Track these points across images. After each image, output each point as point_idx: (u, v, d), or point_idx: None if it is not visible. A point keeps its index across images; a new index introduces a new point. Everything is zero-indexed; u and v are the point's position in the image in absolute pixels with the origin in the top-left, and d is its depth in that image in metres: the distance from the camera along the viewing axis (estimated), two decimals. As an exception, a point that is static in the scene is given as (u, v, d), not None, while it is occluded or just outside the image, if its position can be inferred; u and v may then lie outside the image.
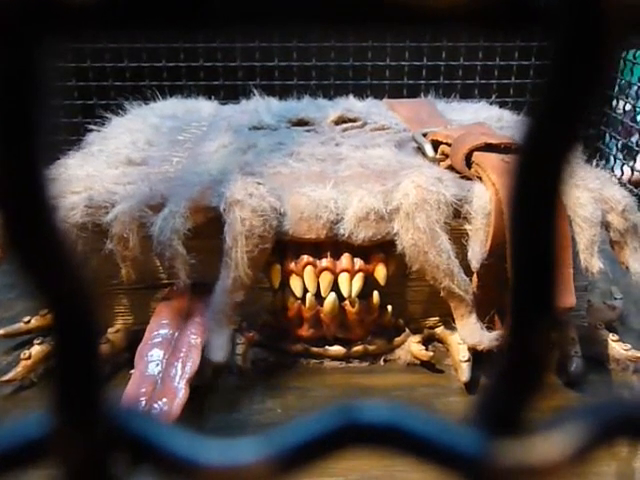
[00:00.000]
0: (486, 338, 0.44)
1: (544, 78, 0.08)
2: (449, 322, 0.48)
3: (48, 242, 0.08)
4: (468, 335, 0.45)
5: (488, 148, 0.48)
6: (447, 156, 0.52)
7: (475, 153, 0.48)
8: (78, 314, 0.08)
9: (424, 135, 0.56)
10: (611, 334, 0.48)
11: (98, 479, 0.09)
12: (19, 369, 0.44)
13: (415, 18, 0.08)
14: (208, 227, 0.44)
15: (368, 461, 0.38)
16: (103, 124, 0.64)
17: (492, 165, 0.46)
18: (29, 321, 0.48)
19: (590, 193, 0.46)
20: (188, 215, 0.43)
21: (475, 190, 0.46)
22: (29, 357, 0.44)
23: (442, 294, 0.45)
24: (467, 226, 0.46)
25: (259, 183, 0.45)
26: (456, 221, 0.46)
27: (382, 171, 0.50)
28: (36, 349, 0.45)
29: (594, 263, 0.45)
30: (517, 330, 0.08)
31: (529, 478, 0.08)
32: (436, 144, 0.54)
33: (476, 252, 0.45)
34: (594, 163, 0.53)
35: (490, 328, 0.45)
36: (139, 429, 0.09)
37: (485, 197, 0.45)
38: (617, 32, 0.08)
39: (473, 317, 0.45)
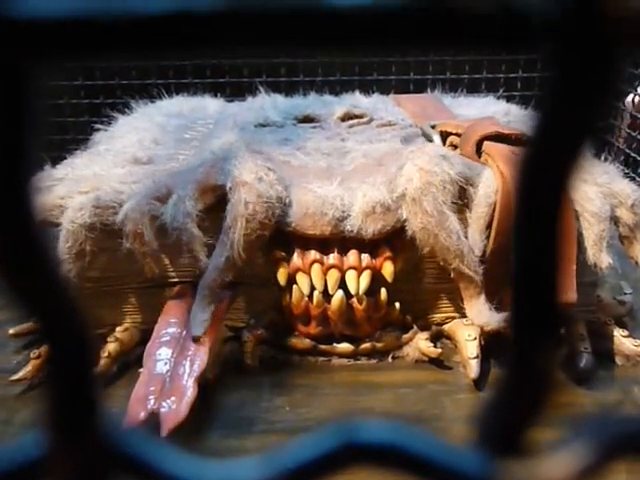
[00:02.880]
0: (494, 319, 0.44)
1: (548, 87, 0.08)
2: (457, 319, 0.47)
3: (34, 261, 0.08)
4: (476, 316, 0.45)
5: (499, 139, 0.48)
6: (456, 147, 0.52)
7: (486, 142, 0.48)
8: (70, 333, 0.08)
9: (432, 127, 0.56)
10: (621, 330, 0.48)
11: None
12: (29, 368, 0.44)
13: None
14: (219, 206, 0.44)
15: (368, 475, 0.38)
16: (110, 123, 0.64)
17: (502, 155, 0.46)
18: (38, 320, 0.48)
19: (598, 187, 0.46)
20: (197, 197, 0.43)
21: (483, 176, 0.45)
22: (39, 356, 0.44)
23: (452, 275, 0.45)
24: (468, 214, 0.45)
25: (270, 168, 0.45)
26: (462, 201, 0.45)
27: (384, 155, 0.50)
28: (46, 348, 0.45)
29: (603, 258, 0.44)
30: (521, 349, 0.08)
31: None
32: (445, 135, 0.54)
33: (477, 240, 0.44)
34: (602, 157, 0.53)
35: (498, 309, 0.45)
36: (137, 449, 0.09)
37: (492, 186, 0.44)
38: (619, 43, 0.07)
39: (482, 298, 0.45)
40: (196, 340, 0.42)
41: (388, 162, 0.48)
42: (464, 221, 0.45)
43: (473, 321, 0.45)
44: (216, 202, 0.44)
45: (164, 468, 0.09)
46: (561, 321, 0.08)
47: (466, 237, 0.44)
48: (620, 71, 0.08)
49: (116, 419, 0.09)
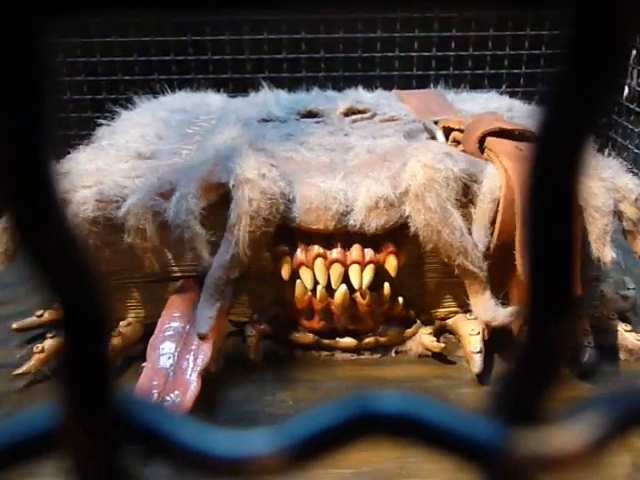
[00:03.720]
0: (500, 314, 0.44)
1: (559, 65, 0.08)
2: (460, 313, 0.47)
3: (58, 236, 0.08)
4: (482, 311, 0.45)
5: (502, 134, 0.48)
6: (459, 143, 0.52)
7: (488, 138, 0.48)
8: (88, 306, 0.08)
9: (435, 123, 0.56)
10: (624, 324, 0.48)
11: (107, 470, 0.09)
12: (32, 362, 0.44)
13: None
14: (222, 204, 0.44)
15: (380, 452, 0.38)
16: (113, 118, 0.64)
17: (505, 151, 0.46)
18: (42, 315, 0.48)
19: (602, 182, 0.46)
20: (200, 195, 0.43)
21: (487, 172, 0.45)
22: (42, 350, 0.44)
23: (456, 272, 0.45)
24: (472, 209, 0.45)
25: (272, 165, 0.45)
26: (466, 198, 0.45)
27: (387, 152, 0.50)
28: (49, 342, 0.45)
29: (606, 253, 0.44)
30: (536, 321, 0.08)
31: (546, 468, 0.08)
32: (447, 131, 0.54)
33: (481, 235, 0.44)
34: (606, 152, 0.52)
35: (504, 304, 0.45)
36: (149, 420, 0.09)
37: (496, 182, 0.44)
38: (631, 19, 0.07)
39: (487, 293, 0.45)
40: (202, 337, 0.42)
41: (392, 158, 0.48)
42: (468, 217, 0.45)
43: (479, 317, 0.45)
44: (219, 200, 0.44)
45: (176, 438, 0.09)
46: (576, 295, 0.08)
47: (470, 234, 0.44)
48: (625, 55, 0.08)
49: (128, 391, 0.09)
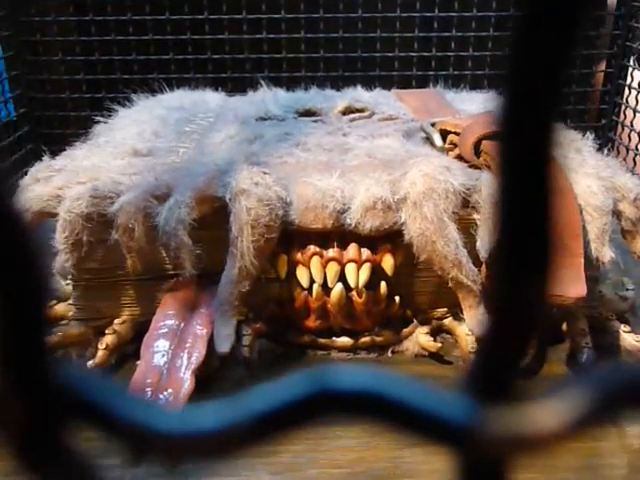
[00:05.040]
0: None
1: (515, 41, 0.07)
2: (457, 313, 0.47)
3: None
4: (476, 326, 0.44)
5: (497, 136, 0.47)
6: (456, 145, 0.51)
7: (484, 142, 0.47)
8: (22, 275, 0.08)
9: (432, 125, 0.56)
10: (623, 325, 0.48)
11: (45, 443, 0.08)
12: None
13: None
14: (214, 217, 0.44)
15: (374, 452, 0.38)
16: (110, 116, 0.64)
17: (501, 153, 0.45)
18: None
19: (601, 181, 0.45)
20: (194, 205, 0.43)
21: (484, 179, 0.45)
22: None
23: (450, 284, 0.44)
24: (476, 215, 0.45)
25: (265, 172, 0.45)
26: (465, 210, 0.45)
27: (389, 160, 0.49)
28: None
29: (605, 253, 0.44)
30: (506, 288, 0.08)
31: (523, 449, 0.08)
32: (444, 133, 0.54)
33: (485, 242, 0.44)
34: (605, 151, 0.52)
35: None
36: (92, 394, 0.08)
37: (494, 186, 0.44)
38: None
39: (481, 308, 0.44)
40: (223, 355, 0.42)
41: (393, 167, 0.47)
42: (473, 225, 0.45)
43: (473, 331, 0.45)
44: (212, 213, 0.44)
45: (120, 413, 0.08)
46: (548, 262, 0.08)
47: (465, 247, 0.44)
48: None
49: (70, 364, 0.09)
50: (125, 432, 0.08)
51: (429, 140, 0.55)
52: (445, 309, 0.49)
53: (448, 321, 0.48)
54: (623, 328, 0.47)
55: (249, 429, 0.09)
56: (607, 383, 0.08)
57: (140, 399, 0.09)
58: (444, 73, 0.86)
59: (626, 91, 0.82)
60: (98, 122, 0.63)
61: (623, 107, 0.83)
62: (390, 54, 0.86)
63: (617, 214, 0.46)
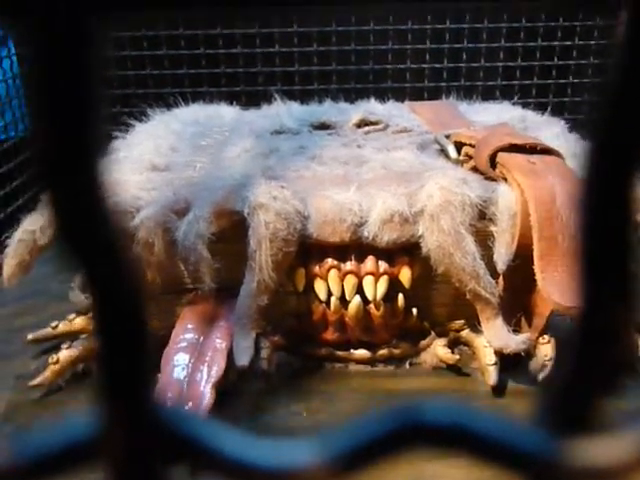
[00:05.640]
0: (513, 341, 0.43)
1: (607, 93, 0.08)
2: (475, 325, 0.47)
3: (99, 229, 0.08)
4: (494, 338, 0.44)
5: (513, 149, 0.48)
6: (471, 157, 0.51)
7: (499, 154, 0.48)
8: (126, 306, 0.08)
9: (447, 137, 0.56)
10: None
11: (144, 478, 0.08)
12: (47, 374, 0.44)
13: None
14: (232, 231, 0.44)
15: (395, 469, 0.38)
16: (127, 131, 0.65)
17: (517, 165, 0.46)
18: (57, 326, 0.49)
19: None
20: (212, 219, 0.43)
21: (500, 191, 0.45)
22: (57, 362, 0.45)
23: (468, 296, 0.44)
24: (493, 227, 0.45)
25: (283, 186, 0.45)
26: (481, 223, 0.45)
27: (405, 173, 0.50)
28: (64, 354, 0.45)
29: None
30: (589, 324, 0.08)
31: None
32: (459, 145, 0.54)
33: (502, 254, 0.44)
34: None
35: (516, 331, 0.44)
36: (189, 429, 0.09)
37: (511, 198, 0.44)
38: None
39: (499, 320, 0.44)
40: (242, 368, 0.42)
41: (409, 179, 0.48)
42: (490, 236, 0.45)
43: (491, 344, 0.45)
44: (230, 227, 0.44)
45: (216, 447, 0.09)
46: (632, 298, 0.08)
47: (482, 259, 0.44)
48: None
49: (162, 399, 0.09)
50: (224, 467, 0.09)
51: (444, 152, 0.55)
52: (463, 321, 0.49)
53: (466, 333, 0.48)
54: (642, 339, 0.47)
55: (340, 464, 0.09)
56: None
57: (237, 434, 0.09)
58: (456, 84, 0.87)
59: None
60: (115, 137, 0.64)
61: None
62: (402, 66, 0.87)
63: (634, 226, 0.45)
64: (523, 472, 0.08)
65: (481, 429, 0.09)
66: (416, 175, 0.48)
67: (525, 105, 0.79)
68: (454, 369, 0.47)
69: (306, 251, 0.45)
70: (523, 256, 0.43)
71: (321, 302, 0.45)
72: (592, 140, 0.08)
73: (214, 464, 0.09)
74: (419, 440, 0.09)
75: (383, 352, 0.48)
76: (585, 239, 0.08)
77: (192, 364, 0.42)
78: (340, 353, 0.48)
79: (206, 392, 0.41)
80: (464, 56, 0.86)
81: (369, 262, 0.45)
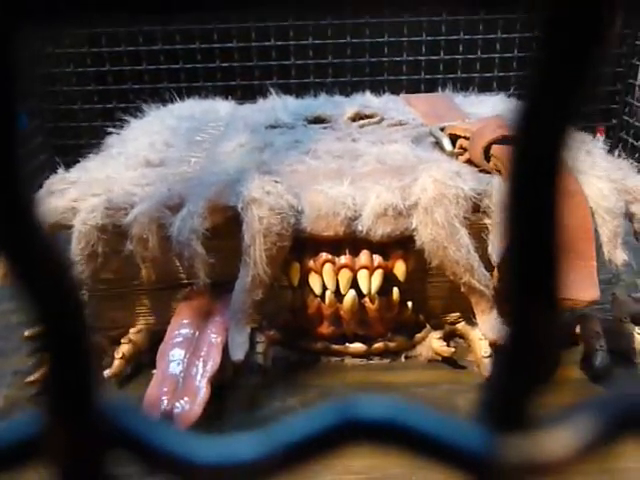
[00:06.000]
0: None
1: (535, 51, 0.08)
2: (470, 318, 0.47)
3: (37, 257, 0.08)
4: (489, 330, 0.44)
5: (507, 141, 0.48)
6: (465, 150, 0.51)
7: (494, 146, 0.47)
8: (69, 320, 0.08)
9: (442, 129, 0.56)
10: (637, 327, 0.48)
11: (92, 477, 0.08)
12: (43, 370, 0.45)
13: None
14: (226, 226, 0.44)
15: (390, 459, 0.38)
16: (122, 127, 0.65)
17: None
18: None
19: (612, 184, 0.45)
20: (206, 215, 0.43)
21: (494, 183, 0.45)
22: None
23: (462, 289, 0.44)
24: (487, 220, 0.45)
25: (276, 181, 0.45)
26: (475, 215, 0.45)
27: (399, 166, 0.50)
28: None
29: (618, 255, 0.44)
30: (519, 321, 0.08)
31: (536, 475, 0.08)
32: (454, 138, 0.54)
33: (497, 246, 0.44)
34: (616, 153, 0.52)
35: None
36: (134, 427, 0.09)
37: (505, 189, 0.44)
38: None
39: (494, 312, 0.44)
40: (238, 363, 0.42)
41: (403, 172, 0.48)
42: (484, 230, 0.45)
43: (486, 336, 0.45)
44: (224, 222, 0.44)
45: (161, 445, 0.09)
46: (560, 288, 0.08)
47: (477, 252, 0.44)
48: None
49: (113, 398, 0.09)
50: (165, 463, 0.09)
51: (438, 145, 0.55)
52: (458, 314, 0.49)
53: (461, 326, 0.49)
54: (637, 330, 0.47)
55: (281, 459, 0.09)
56: (613, 411, 0.08)
57: (179, 431, 0.09)
58: (452, 76, 0.86)
59: (637, 90, 0.82)
60: (110, 133, 0.64)
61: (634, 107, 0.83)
62: (398, 58, 0.86)
63: (629, 216, 0.45)
64: (461, 469, 0.08)
65: (418, 425, 0.09)
66: (410, 168, 0.48)
67: (522, 97, 0.79)
68: (449, 362, 0.47)
69: (300, 245, 0.45)
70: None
71: (316, 296, 0.45)
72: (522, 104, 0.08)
73: (156, 460, 0.09)
74: (356, 436, 0.09)
75: (378, 345, 0.48)
76: (512, 206, 0.08)
77: (187, 359, 0.42)
78: (335, 347, 0.48)
79: (202, 387, 0.41)
80: (460, 48, 0.86)
81: (363, 256, 0.45)
